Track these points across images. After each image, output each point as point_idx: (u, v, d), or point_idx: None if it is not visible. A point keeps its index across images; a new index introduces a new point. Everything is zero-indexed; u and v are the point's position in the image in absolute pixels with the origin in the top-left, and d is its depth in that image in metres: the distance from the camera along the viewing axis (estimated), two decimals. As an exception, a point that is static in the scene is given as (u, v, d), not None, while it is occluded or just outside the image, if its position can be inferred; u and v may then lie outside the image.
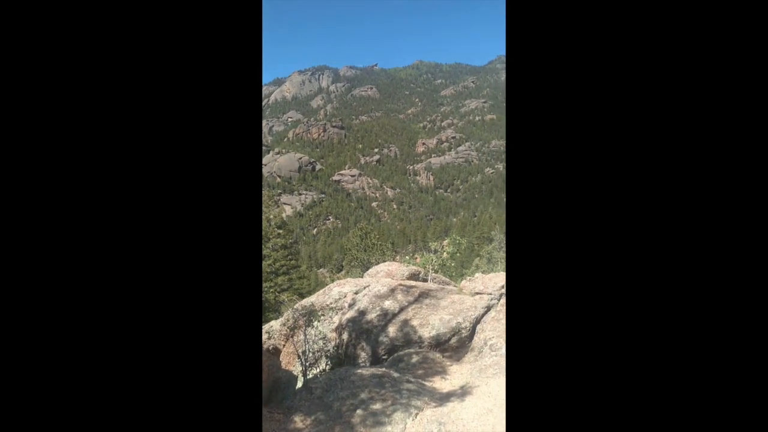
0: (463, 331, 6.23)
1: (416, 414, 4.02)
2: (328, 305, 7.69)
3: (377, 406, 4.17)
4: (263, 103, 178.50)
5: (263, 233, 13.20)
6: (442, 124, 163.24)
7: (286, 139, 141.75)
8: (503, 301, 6.80)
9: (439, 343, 6.11)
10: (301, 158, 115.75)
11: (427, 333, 6.17)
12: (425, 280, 9.70)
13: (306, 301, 8.35)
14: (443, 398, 4.47)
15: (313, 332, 6.69)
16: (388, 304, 6.94)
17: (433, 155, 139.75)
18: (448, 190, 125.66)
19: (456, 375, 5.21)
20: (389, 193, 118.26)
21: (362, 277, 11.02)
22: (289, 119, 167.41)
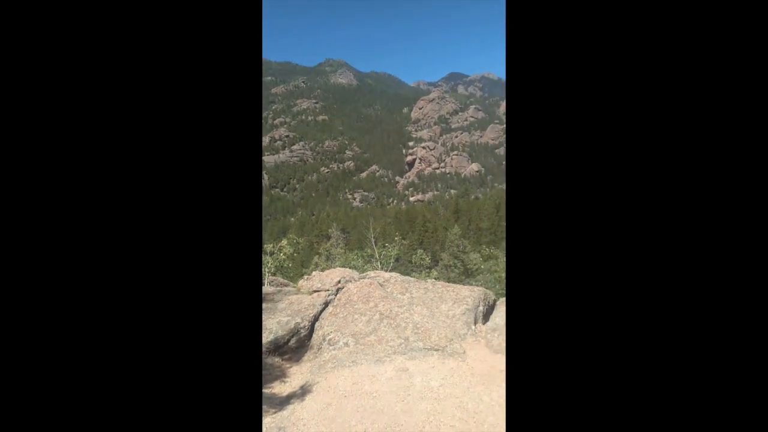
0: (302, 330, 6.22)
1: (254, 425, 3.83)
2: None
3: (209, 427, 3.81)
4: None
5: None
6: (275, 122, 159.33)
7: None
8: (340, 295, 7.05)
9: (278, 347, 5.96)
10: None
11: (264, 338, 5.93)
12: (262, 284, 9.32)
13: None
14: (283, 402, 4.38)
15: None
16: (220, 315, 6.42)
17: (266, 153, 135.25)
18: (285, 190, 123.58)
19: (296, 376, 5.17)
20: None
21: (189, 288, 9.90)
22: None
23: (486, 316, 6.36)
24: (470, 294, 6.56)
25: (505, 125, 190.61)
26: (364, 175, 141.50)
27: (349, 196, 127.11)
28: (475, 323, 6.00)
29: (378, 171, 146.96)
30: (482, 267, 14.10)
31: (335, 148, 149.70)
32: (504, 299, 6.87)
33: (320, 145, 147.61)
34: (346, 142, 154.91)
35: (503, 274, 11.41)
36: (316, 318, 6.53)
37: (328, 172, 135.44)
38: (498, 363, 4.89)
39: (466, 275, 18.08)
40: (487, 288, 9.17)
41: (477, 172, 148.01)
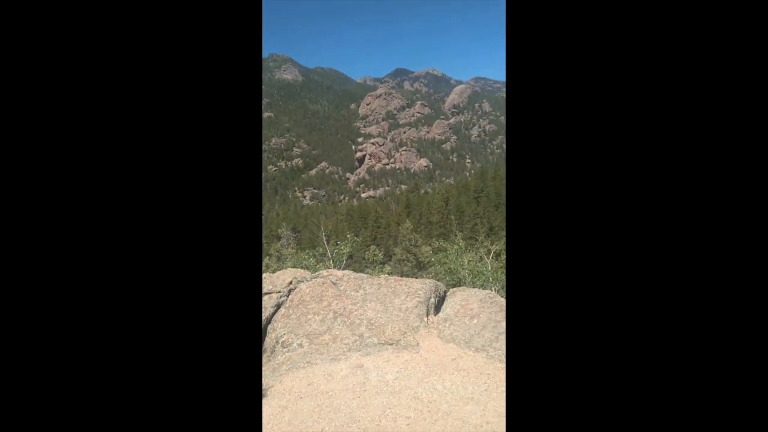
0: (253, 334, 6.06)
1: (206, 436, 3.70)
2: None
3: (157, 443, 3.63)
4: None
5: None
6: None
7: None
8: (292, 296, 6.94)
9: (229, 354, 5.77)
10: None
11: (214, 346, 5.73)
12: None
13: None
14: (236, 410, 4.26)
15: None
16: (165, 325, 6.10)
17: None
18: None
19: (249, 382, 5.05)
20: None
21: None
22: None
23: (437, 307, 6.55)
24: (422, 287, 6.72)
25: (449, 120, 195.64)
26: (313, 172, 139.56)
27: (299, 195, 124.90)
28: (427, 315, 6.17)
29: (328, 168, 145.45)
30: (432, 259, 14.47)
31: (282, 146, 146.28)
32: (454, 289, 7.11)
33: (267, 142, 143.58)
34: (294, 139, 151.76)
35: (452, 266, 11.79)
36: (268, 321, 6.39)
37: (276, 170, 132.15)
38: (449, 352, 5.07)
39: (419, 268, 18.46)
40: (437, 280, 9.44)
41: (425, 167, 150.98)
